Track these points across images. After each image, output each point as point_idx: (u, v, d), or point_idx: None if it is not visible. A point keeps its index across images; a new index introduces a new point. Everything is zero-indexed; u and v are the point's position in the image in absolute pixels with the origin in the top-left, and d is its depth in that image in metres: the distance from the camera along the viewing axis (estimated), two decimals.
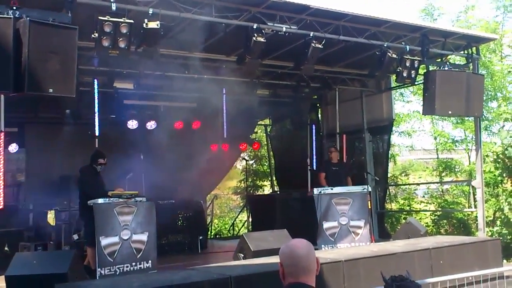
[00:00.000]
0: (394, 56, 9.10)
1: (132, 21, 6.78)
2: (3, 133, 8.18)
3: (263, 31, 7.82)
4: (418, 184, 18.19)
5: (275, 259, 5.66)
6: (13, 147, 10.61)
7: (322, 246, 8.89)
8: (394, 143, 17.96)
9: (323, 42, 8.37)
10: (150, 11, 6.93)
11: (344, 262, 6.23)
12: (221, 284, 5.24)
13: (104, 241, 7.28)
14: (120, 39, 6.74)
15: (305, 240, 2.60)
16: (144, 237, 7.70)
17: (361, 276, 6.28)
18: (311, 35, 8.25)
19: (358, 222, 9.16)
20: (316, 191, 9.30)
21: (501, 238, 10.17)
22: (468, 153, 17.33)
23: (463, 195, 16.55)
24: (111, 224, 7.42)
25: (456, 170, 16.95)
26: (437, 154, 18.83)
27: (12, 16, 5.69)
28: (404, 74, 9.42)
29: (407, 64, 9.33)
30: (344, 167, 10.72)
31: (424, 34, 9.42)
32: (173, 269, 7.72)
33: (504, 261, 9.54)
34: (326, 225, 9.09)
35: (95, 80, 9.82)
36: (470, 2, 18.25)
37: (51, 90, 5.96)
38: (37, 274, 5.91)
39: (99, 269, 7.15)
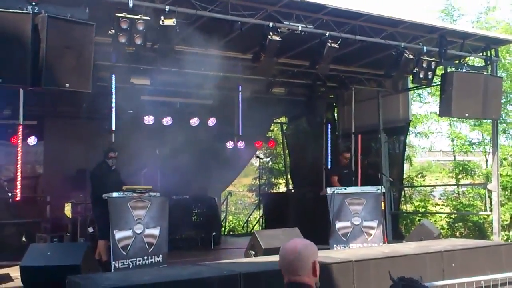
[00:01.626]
0: (411, 56, 9.05)
1: (148, 18, 6.85)
2: (21, 125, 8.36)
3: (279, 29, 7.84)
4: (433, 186, 17.98)
5: None
6: (32, 140, 10.77)
7: (334, 245, 8.88)
8: (410, 142, 17.82)
9: (339, 42, 8.36)
10: (167, 8, 7.00)
11: (354, 262, 6.21)
12: (230, 281, 5.27)
13: (118, 234, 7.36)
14: (137, 35, 6.82)
15: (301, 243, 2.63)
16: (156, 231, 7.78)
17: (371, 277, 6.26)
18: (327, 34, 8.24)
19: (371, 223, 9.12)
20: (329, 190, 9.26)
21: None
22: (485, 155, 17.10)
23: (479, 198, 16.36)
24: (125, 218, 7.51)
25: (473, 172, 16.74)
26: (454, 156, 18.62)
27: (31, 12, 5.82)
28: (421, 75, 9.37)
29: (424, 65, 9.27)
30: (352, 170, 11.11)
31: (442, 35, 9.35)
32: (185, 265, 7.78)
33: None
34: (338, 224, 9.07)
35: (113, 75, 9.91)
36: (491, 3, 17.89)
37: (67, 85, 6.08)
38: (50, 265, 6.01)
39: (113, 262, 7.24)
